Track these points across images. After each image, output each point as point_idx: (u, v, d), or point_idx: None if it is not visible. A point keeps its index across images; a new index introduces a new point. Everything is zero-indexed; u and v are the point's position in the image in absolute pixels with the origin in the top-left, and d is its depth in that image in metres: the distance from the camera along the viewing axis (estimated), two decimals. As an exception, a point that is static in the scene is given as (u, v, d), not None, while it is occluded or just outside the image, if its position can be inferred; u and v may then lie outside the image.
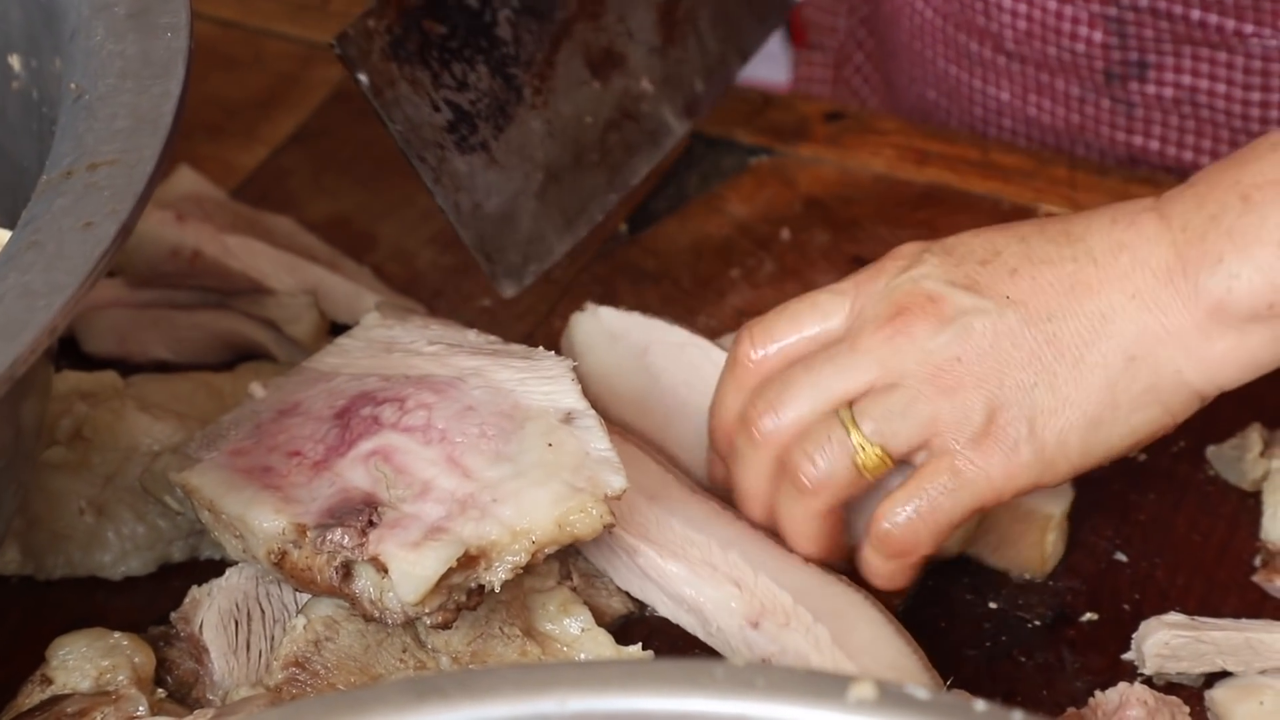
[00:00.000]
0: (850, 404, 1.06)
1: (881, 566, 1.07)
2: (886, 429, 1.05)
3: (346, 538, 1.02)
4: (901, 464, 1.06)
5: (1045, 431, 1.04)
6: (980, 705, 0.76)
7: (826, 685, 0.77)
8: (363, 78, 1.15)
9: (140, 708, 1.00)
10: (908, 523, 1.06)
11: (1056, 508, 1.12)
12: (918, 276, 1.07)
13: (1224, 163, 1.07)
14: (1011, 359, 1.05)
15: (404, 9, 1.16)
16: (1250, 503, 1.15)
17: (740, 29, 1.32)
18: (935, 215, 1.33)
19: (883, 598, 1.10)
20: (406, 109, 1.16)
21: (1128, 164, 1.41)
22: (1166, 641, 1.05)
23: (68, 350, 1.23)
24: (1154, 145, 1.39)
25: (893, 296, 1.07)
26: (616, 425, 1.14)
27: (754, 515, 1.11)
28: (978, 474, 1.05)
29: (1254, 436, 1.16)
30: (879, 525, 1.06)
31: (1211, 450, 1.17)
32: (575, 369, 1.10)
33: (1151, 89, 1.36)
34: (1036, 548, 1.12)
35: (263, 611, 1.07)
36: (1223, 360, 1.05)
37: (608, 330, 1.19)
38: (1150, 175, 1.36)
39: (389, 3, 1.15)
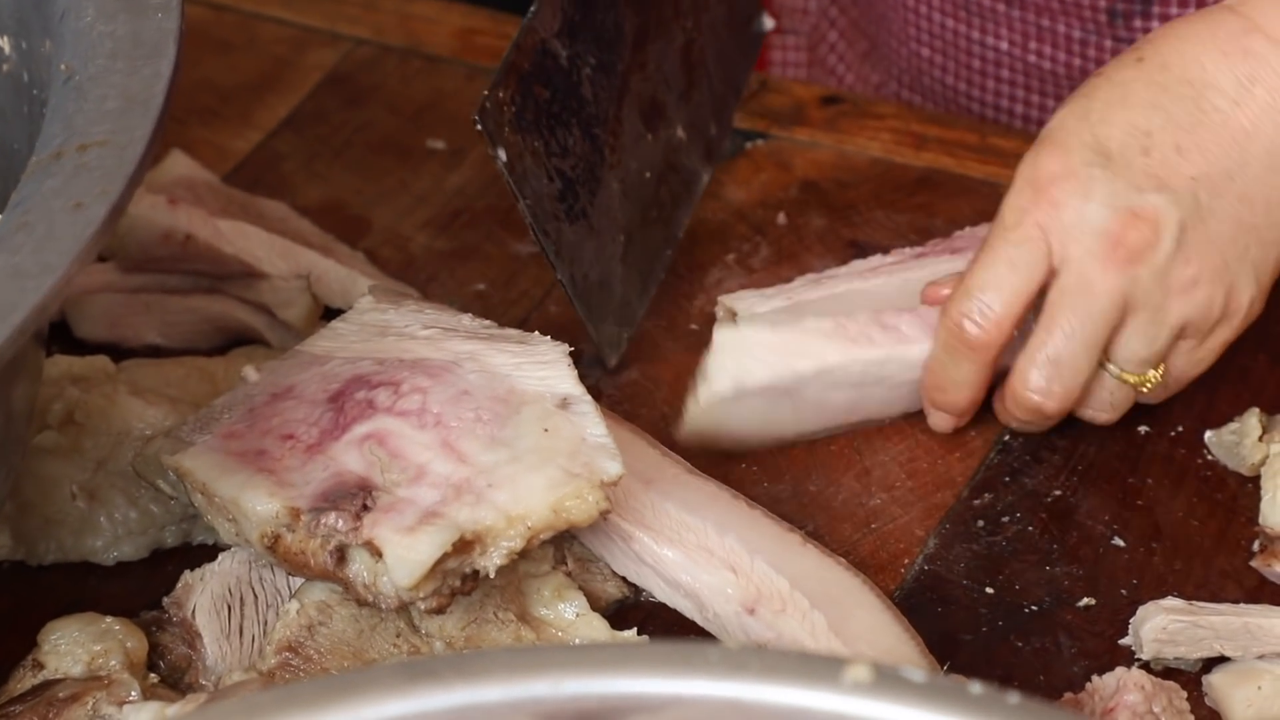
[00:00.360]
0: (1106, 350, 1.11)
1: (1113, 415, 1.15)
2: (1151, 358, 1.12)
3: (340, 521, 1.01)
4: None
5: (1264, 277, 1.12)
6: (976, 688, 0.75)
7: (821, 668, 0.76)
8: (501, 154, 1.13)
9: (133, 692, 1.00)
10: (1166, 394, 1.15)
11: None
12: (1105, 197, 1.09)
13: None
14: (1222, 235, 1.09)
15: (520, 76, 1.14)
16: (1249, 488, 1.15)
17: (734, 65, 1.32)
18: (933, 199, 1.32)
19: (880, 583, 1.10)
20: (532, 181, 1.15)
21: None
22: (1164, 626, 1.05)
23: (59, 335, 1.22)
24: None
25: (1097, 226, 1.09)
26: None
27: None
28: (1216, 342, 1.13)
29: (1252, 421, 1.15)
30: (1138, 395, 1.14)
31: (1210, 435, 1.17)
32: (571, 354, 1.09)
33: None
34: None
35: (256, 596, 1.07)
36: None
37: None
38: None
39: (510, 72, 1.14)
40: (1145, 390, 1.14)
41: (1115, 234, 1.09)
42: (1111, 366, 1.12)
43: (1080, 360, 1.11)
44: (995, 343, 1.12)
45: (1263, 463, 1.14)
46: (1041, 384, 1.11)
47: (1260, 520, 1.12)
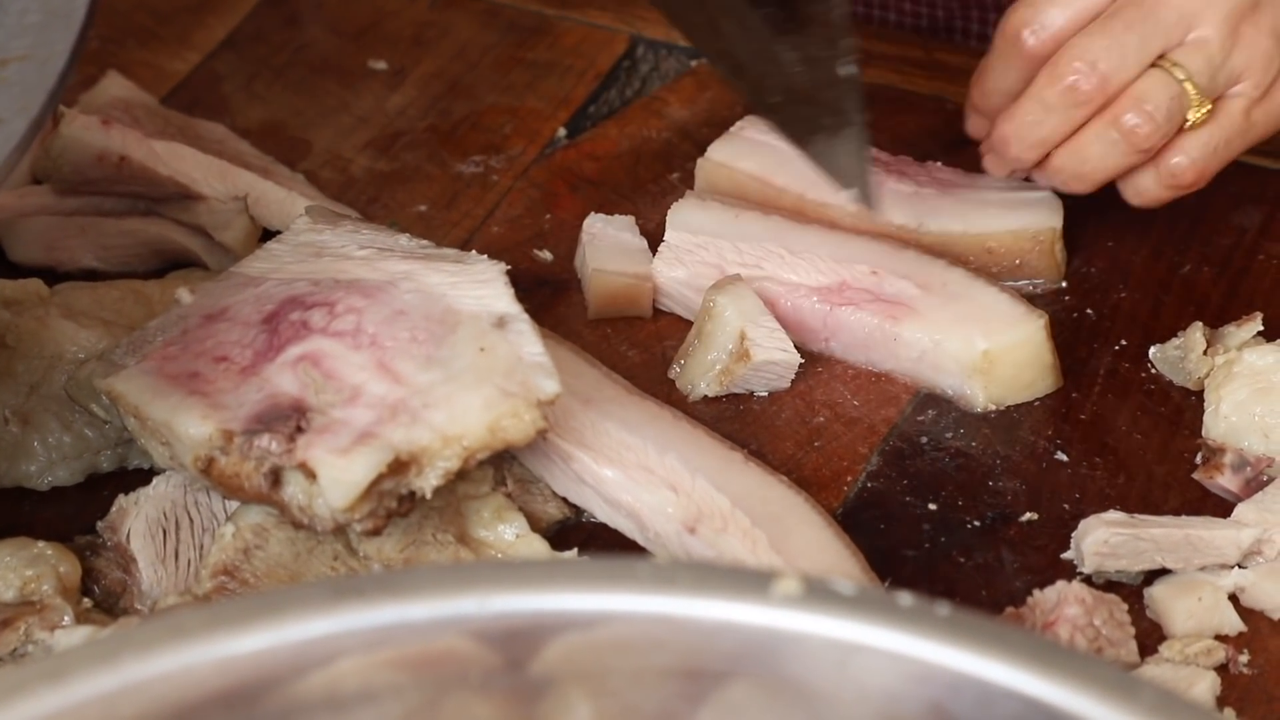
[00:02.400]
0: (1166, 55, 1.12)
1: (1160, 195, 1.16)
2: (1212, 83, 1.12)
3: (274, 444, 1.00)
4: None
5: None
6: (906, 599, 0.75)
7: (750, 581, 0.76)
8: None
9: (65, 617, 0.99)
10: (1205, 159, 1.14)
11: (1056, 221, 1.20)
12: None
13: None
14: None
15: None
16: (1192, 401, 1.14)
17: None
18: (879, 116, 1.30)
19: (822, 500, 1.09)
20: None
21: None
22: (1105, 540, 1.04)
23: (-6, 260, 1.21)
24: None
25: None
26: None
27: (1028, 164, 1.17)
28: (1263, 117, 1.14)
29: (1197, 335, 1.15)
30: (1172, 159, 1.14)
31: (1154, 350, 1.16)
32: (509, 272, 1.08)
33: None
34: (1049, 257, 1.19)
35: (191, 520, 1.06)
36: None
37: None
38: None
39: None
40: (1194, 114, 1.13)
41: None
42: (1177, 69, 1.12)
43: (1131, 50, 1.12)
44: (1050, 53, 1.13)
45: (1207, 376, 1.13)
46: (1087, 59, 1.12)
47: (1203, 433, 1.12)
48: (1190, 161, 1.15)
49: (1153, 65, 1.13)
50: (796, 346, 1.15)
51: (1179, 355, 1.15)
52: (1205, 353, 1.14)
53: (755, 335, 1.14)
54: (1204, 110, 1.14)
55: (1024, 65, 1.15)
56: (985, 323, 1.14)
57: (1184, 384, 1.15)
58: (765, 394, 1.15)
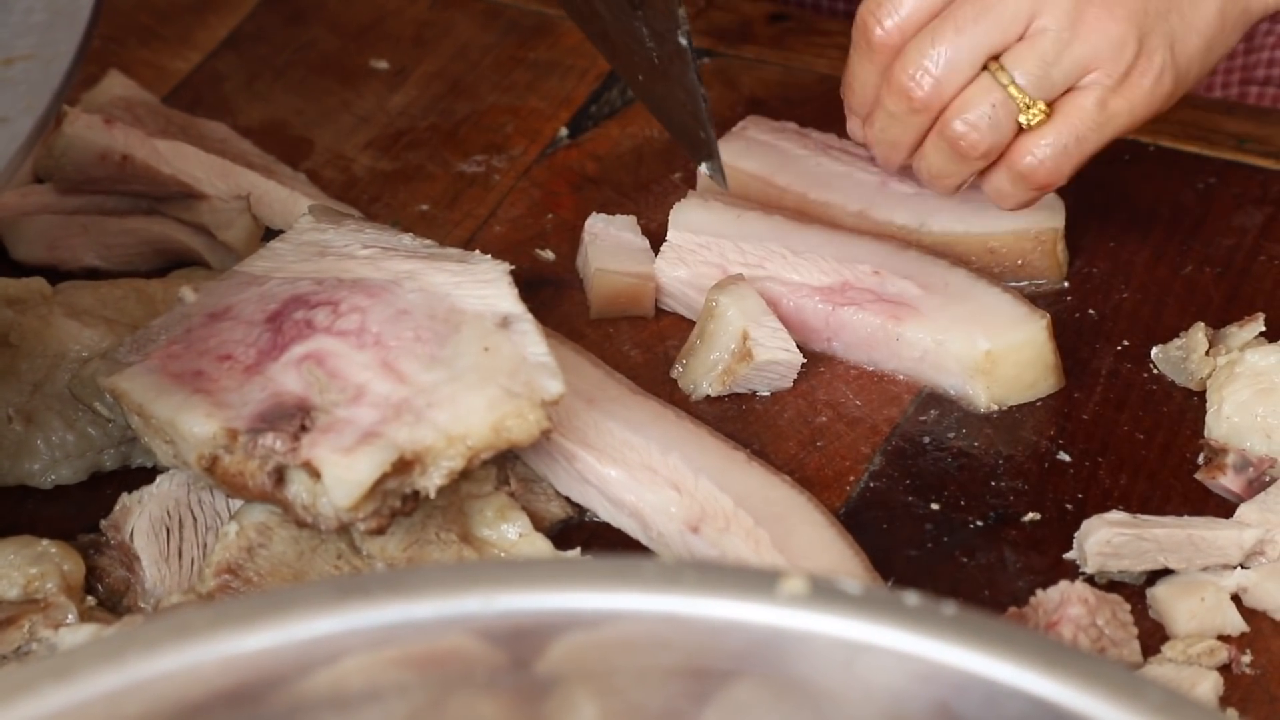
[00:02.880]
0: (999, 58, 1.07)
1: (1019, 196, 1.11)
2: (1045, 82, 1.07)
3: (278, 442, 1.00)
4: None
5: (1180, 57, 1.07)
6: (912, 598, 0.75)
7: (757, 580, 0.76)
8: None
9: (69, 615, 0.99)
10: (1055, 157, 1.08)
11: (1058, 221, 1.19)
12: None
13: None
14: None
15: None
16: (1194, 401, 1.14)
17: None
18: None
19: (825, 500, 1.09)
20: None
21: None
22: (1108, 540, 1.04)
23: (-3, 259, 1.21)
24: None
25: None
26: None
27: (894, 167, 1.14)
28: (1123, 106, 1.08)
29: (1199, 336, 1.15)
30: (1023, 160, 1.09)
31: (1156, 350, 1.16)
32: (511, 271, 1.08)
33: None
34: (1051, 257, 1.19)
35: (194, 519, 1.06)
36: None
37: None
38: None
39: None
40: (1027, 119, 1.08)
41: None
42: (1001, 74, 1.08)
43: (966, 53, 1.07)
44: (897, 45, 1.09)
45: (1209, 377, 1.13)
46: (919, 65, 1.08)
47: (1205, 433, 1.12)
48: (1039, 161, 1.10)
49: (984, 68, 1.09)
50: (799, 346, 1.15)
51: (1181, 356, 1.15)
52: (1207, 353, 1.14)
53: (758, 335, 1.14)
54: (1037, 111, 1.09)
55: (877, 59, 1.11)
56: (987, 323, 1.14)
57: (1186, 384, 1.15)
58: (768, 394, 1.15)
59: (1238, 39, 1.11)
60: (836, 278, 1.17)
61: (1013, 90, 1.07)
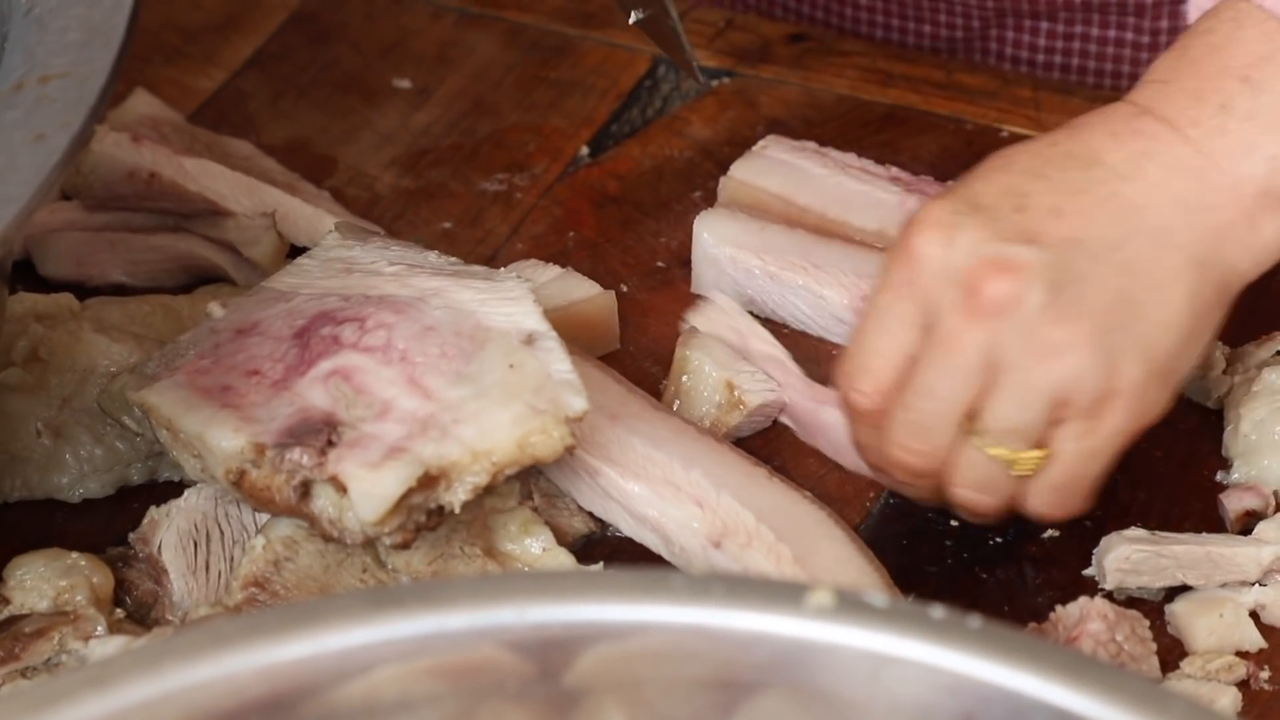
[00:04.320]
0: (974, 417, 1.02)
1: (1056, 517, 1.06)
2: (1022, 432, 1.01)
3: (305, 457, 1.01)
4: None
5: (1159, 359, 1.02)
6: (938, 612, 0.76)
7: (784, 593, 0.77)
8: None
9: (99, 627, 1.00)
10: (1059, 501, 1.04)
11: None
12: (968, 245, 1.00)
13: (1188, 50, 1.05)
14: (1100, 303, 1.00)
15: None
16: (1212, 419, 1.15)
17: None
18: (898, 136, 1.32)
19: (845, 516, 1.10)
20: None
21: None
22: (1127, 556, 1.05)
23: (24, 275, 1.22)
24: None
25: (958, 277, 1.00)
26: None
27: (929, 502, 1.08)
28: (1114, 428, 1.02)
29: (1216, 355, 1.16)
30: (1034, 507, 1.04)
31: (1174, 369, 1.17)
32: (536, 290, 1.09)
33: None
34: None
35: (222, 532, 1.07)
36: (1269, 244, 1.04)
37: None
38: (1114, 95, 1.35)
39: None
40: (1021, 471, 1.03)
41: (975, 283, 0.99)
42: (975, 439, 1.02)
43: (939, 420, 1.02)
44: (883, 406, 1.05)
45: (1226, 395, 1.14)
46: (905, 442, 1.04)
47: (1223, 451, 1.13)
48: (1048, 505, 1.05)
49: (966, 431, 1.03)
50: (823, 361, 1.16)
51: (1198, 374, 1.16)
52: (1224, 371, 1.15)
53: (742, 383, 1.14)
54: (1027, 458, 1.03)
55: (870, 422, 1.06)
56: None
57: (1203, 402, 1.16)
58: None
59: (1221, 316, 1.05)
60: (856, 292, 1.18)
61: (994, 453, 1.03)
